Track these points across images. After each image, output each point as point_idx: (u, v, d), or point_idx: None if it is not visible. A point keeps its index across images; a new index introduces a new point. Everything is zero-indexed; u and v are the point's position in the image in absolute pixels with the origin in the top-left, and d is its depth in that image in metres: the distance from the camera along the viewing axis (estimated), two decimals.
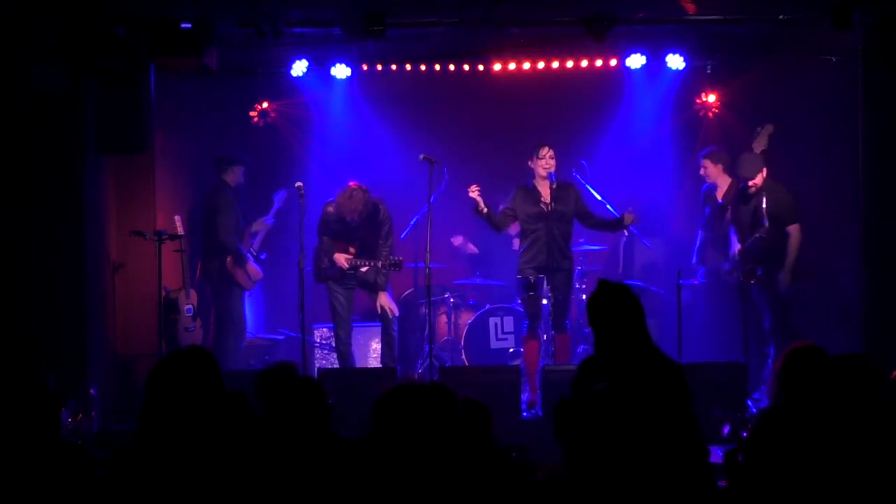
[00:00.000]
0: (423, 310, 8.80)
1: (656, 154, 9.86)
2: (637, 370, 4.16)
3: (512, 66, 9.08)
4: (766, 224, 7.87)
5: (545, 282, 7.97)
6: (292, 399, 3.81)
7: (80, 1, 7.08)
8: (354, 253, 8.19)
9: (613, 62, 9.07)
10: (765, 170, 8.01)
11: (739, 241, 8.13)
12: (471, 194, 7.73)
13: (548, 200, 7.87)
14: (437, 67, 9.22)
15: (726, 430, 6.73)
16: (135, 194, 8.09)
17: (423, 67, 9.24)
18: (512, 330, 9.06)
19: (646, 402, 3.19)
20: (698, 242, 8.90)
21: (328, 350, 9.05)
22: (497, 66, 9.09)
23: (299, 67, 8.96)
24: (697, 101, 9.71)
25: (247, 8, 7.55)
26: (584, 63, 9.09)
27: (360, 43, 8.32)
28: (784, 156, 8.38)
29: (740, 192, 8.20)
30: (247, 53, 8.46)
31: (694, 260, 8.94)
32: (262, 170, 9.46)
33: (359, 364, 8.65)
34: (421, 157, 7.86)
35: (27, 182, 7.08)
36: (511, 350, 9.02)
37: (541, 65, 9.09)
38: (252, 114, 9.65)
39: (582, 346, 8.88)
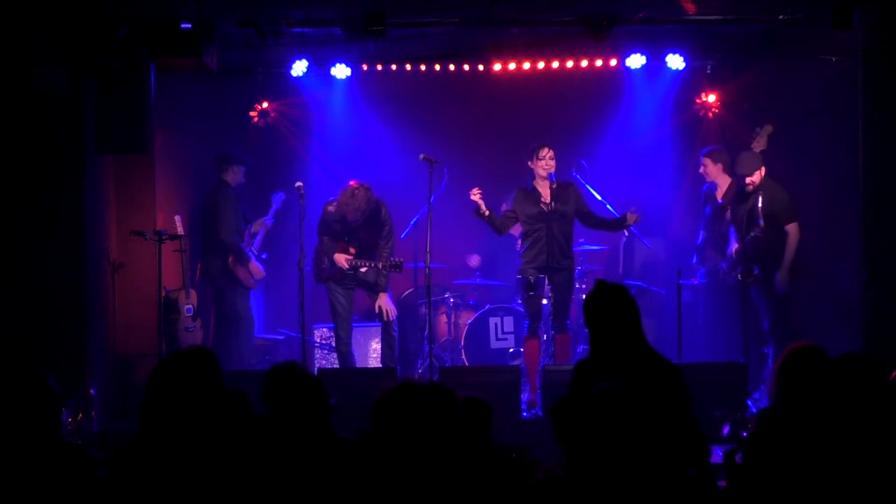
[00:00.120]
0: (423, 310, 8.80)
1: (656, 154, 9.87)
2: (632, 370, 4.16)
3: (512, 66, 9.07)
4: (762, 223, 7.85)
5: (545, 282, 7.98)
6: (297, 397, 3.82)
7: (80, 1, 7.08)
8: (354, 253, 8.19)
9: (613, 62, 9.07)
10: (763, 169, 8.01)
11: (738, 240, 8.13)
12: (472, 197, 7.73)
13: (548, 200, 7.86)
14: (437, 67, 9.22)
15: (726, 430, 6.71)
16: (135, 194, 8.08)
17: (423, 67, 9.24)
18: (512, 330, 9.06)
19: (646, 403, 3.19)
20: (699, 242, 8.90)
21: (328, 350, 9.05)
22: (497, 66, 9.09)
23: (299, 67, 8.97)
24: (697, 101, 9.71)
25: (247, 8, 7.55)
26: (584, 63, 9.09)
27: (360, 43, 8.31)
28: (784, 156, 8.38)
29: (739, 191, 8.21)
30: (247, 53, 8.46)
31: (694, 260, 8.94)
32: (261, 170, 9.46)
33: (359, 364, 8.65)
34: (421, 157, 7.86)
35: (27, 182, 7.08)
36: (511, 350, 9.03)
37: (541, 65, 9.08)
38: (252, 114, 9.65)
39: (582, 346, 8.88)
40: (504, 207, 8.08)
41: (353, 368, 8.33)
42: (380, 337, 8.54)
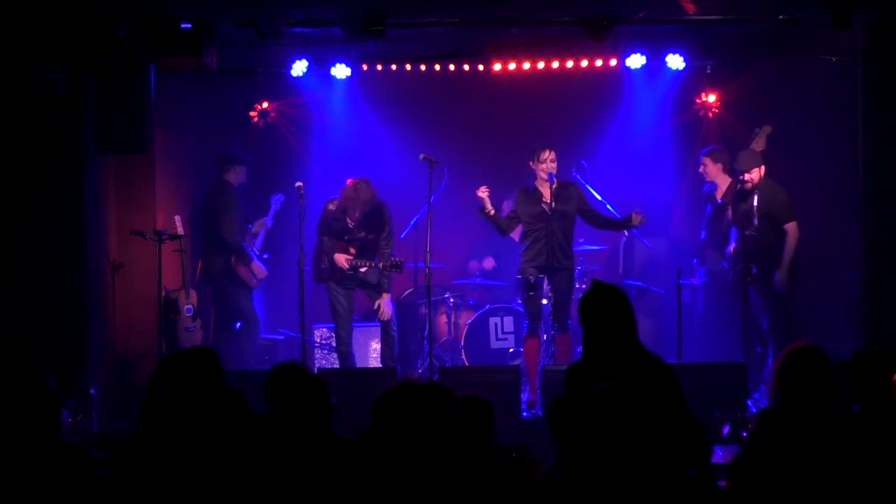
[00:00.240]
0: (423, 310, 8.80)
1: (656, 154, 9.86)
2: (624, 370, 4.17)
3: (512, 66, 9.08)
4: (756, 222, 7.84)
5: (545, 281, 7.98)
6: (299, 396, 3.82)
7: (80, 1, 7.08)
8: (354, 254, 8.19)
9: (613, 62, 9.07)
10: (763, 168, 8.01)
11: (738, 239, 8.13)
12: (479, 194, 7.73)
13: (549, 200, 7.86)
14: (437, 67, 9.22)
15: (726, 430, 6.72)
16: (135, 194, 8.09)
17: (423, 67, 9.25)
18: (512, 330, 9.06)
19: (646, 403, 3.19)
20: (701, 241, 8.91)
21: (328, 350, 9.05)
22: (497, 66, 9.09)
23: (299, 67, 8.97)
24: (697, 101, 9.71)
25: (247, 8, 7.55)
26: (584, 63, 9.09)
27: (360, 43, 8.32)
28: (784, 156, 8.38)
29: (738, 191, 8.21)
30: (247, 53, 8.45)
31: (694, 260, 8.94)
32: (261, 170, 9.46)
33: (359, 364, 8.65)
34: (421, 157, 7.86)
35: (27, 182, 7.08)
36: (511, 350, 9.02)
37: (541, 65, 9.09)
38: (252, 114, 9.65)
39: (582, 346, 8.87)
40: (507, 208, 8.08)
41: (353, 368, 8.33)
42: (380, 337, 8.53)
